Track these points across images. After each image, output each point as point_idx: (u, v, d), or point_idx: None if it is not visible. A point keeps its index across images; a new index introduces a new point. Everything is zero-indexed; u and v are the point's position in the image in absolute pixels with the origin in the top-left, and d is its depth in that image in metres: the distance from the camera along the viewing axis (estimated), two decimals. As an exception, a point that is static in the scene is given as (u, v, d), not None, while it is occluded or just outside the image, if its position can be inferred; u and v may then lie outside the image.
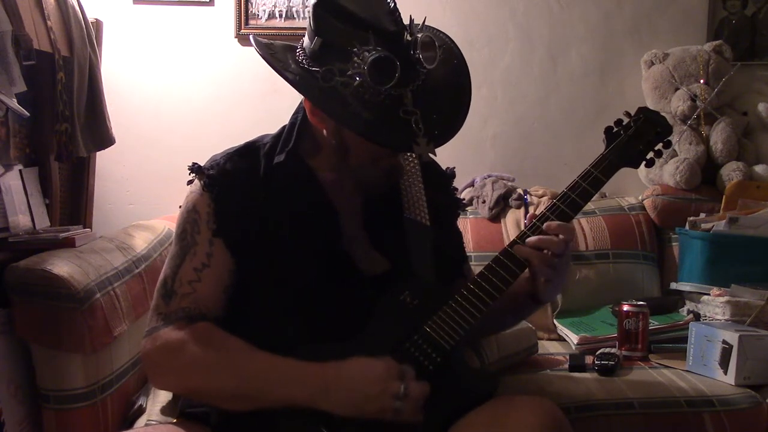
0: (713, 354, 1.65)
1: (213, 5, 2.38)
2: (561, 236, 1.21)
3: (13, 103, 1.56)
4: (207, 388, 1.17)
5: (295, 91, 1.24)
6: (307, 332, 1.20)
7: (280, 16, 2.39)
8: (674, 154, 2.33)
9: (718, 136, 2.32)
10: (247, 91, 2.39)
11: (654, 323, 1.88)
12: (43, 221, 1.78)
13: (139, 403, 1.52)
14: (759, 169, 2.31)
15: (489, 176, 2.35)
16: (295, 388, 1.12)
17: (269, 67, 1.22)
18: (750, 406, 1.57)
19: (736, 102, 2.45)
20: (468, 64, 1.24)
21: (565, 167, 2.42)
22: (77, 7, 1.94)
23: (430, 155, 1.12)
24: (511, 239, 1.26)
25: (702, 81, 2.34)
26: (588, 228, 2.20)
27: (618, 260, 2.17)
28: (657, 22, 2.49)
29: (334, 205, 1.28)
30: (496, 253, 1.25)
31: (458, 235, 1.50)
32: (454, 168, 1.48)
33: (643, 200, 2.32)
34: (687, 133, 2.33)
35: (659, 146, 1.30)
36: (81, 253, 1.52)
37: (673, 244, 2.24)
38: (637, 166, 1.30)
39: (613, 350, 1.78)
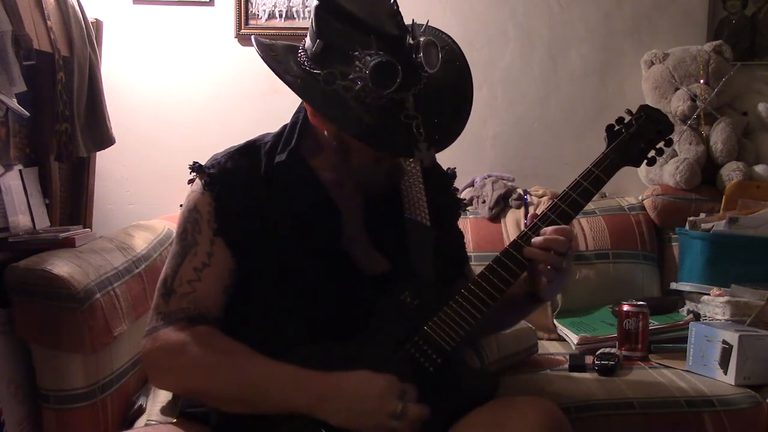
0: (713, 354, 1.65)
1: (213, 5, 2.38)
2: (561, 237, 1.21)
3: (13, 103, 1.56)
4: (206, 390, 1.17)
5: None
6: (307, 332, 1.20)
7: (280, 16, 2.39)
8: (674, 154, 2.33)
9: (718, 136, 2.32)
10: (247, 91, 2.39)
11: (654, 323, 1.88)
12: (43, 221, 1.77)
13: (139, 403, 1.52)
14: (759, 169, 2.31)
15: (489, 176, 2.35)
16: (294, 395, 1.12)
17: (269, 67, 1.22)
18: (750, 406, 1.57)
19: (736, 102, 2.45)
20: (471, 74, 1.23)
21: (565, 167, 2.42)
22: (77, 7, 1.94)
23: (429, 160, 1.12)
24: (511, 239, 1.25)
25: (702, 81, 2.34)
26: (588, 228, 2.20)
27: (618, 260, 2.17)
28: (657, 22, 2.49)
29: (334, 204, 1.28)
30: (496, 254, 1.24)
31: (459, 236, 1.50)
32: (454, 168, 1.48)
33: (643, 200, 2.32)
34: (687, 133, 2.33)
35: (661, 144, 1.29)
36: (81, 253, 1.52)
37: (673, 244, 2.24)
38: (638, 165, 1.30)
39: (613, 350, 1.78)
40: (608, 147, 1.28)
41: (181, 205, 1.29)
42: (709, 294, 1.94)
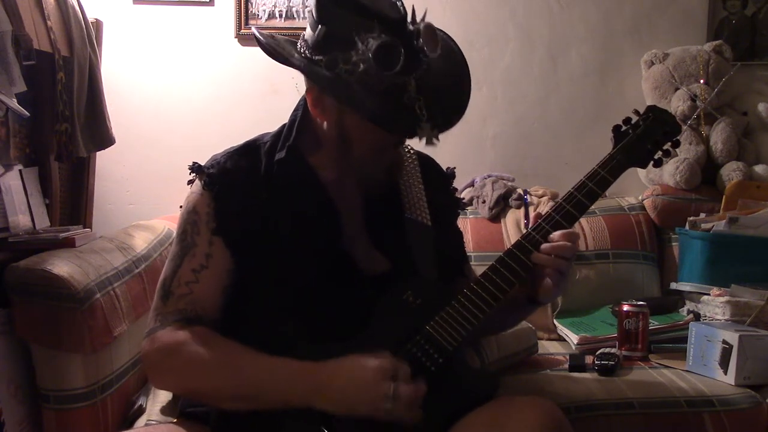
0: (713, 354, 1.65)
1: (213, 5, 2.38)
2: (569, 243, 1.21)
3: (13, 103, 1.56)
4: (204, 389, 1.18)
5: (295, 90, 1.24)
6: (307, 332, 1.20)
7: (280, 16, 2.39)
8: (674, 154, 2.33)
9: (718, 136, 2.32)
10: (247, 91, 2.39)
11: (654, 323, 1.88)
12: (43, 221, 1.77)
13: (139, 403, 1.52)
14: (759, 169, 2.31)
15: (489, 176, 2.35)
16: (289, 388, 1.13)
17: (269, 64, 1.23)
18: (750, 406, 1.57)
19: (736, 102, 2.45)
20: (468, 64, 1.24)
21: (565, 167, 2.42)
22: (77, 7, 1.94)
23: (433, 141, 1.12)
24: (512, 239, 1.25)
25: (702, 81, 2.34)
26: (588, 228, 2.20)
27: (618, 260, 2.17)
28: (657, 22, 2.49)
29: (334, 204, 1.28)
30: (497, 254, 1.24)
31: (458, 235, 1.50)
32: (454, 168, 1.48)
33: (643, 200, 2.32)
34: (687, 133, 2.33)
35: (668, 145, 1.28)
36: (81, 253, 1.52)
37: (673, 244, 2.24)
38: (645, 166, 1.28)
39: (613, 350, 1.78)
40: (615, 147, 1.27)
41: (181, 206, 1.29)
42: (709, 294, 1.94)
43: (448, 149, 2.42)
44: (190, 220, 1.24)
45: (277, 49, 1.20)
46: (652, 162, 1.28)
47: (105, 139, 2.02)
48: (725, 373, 1.63)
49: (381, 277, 1.27)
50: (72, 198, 2.06)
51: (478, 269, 1.26)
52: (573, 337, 1.92)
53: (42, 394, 1.42)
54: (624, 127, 1.28)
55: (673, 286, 2.13)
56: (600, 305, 2.09)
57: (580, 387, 1.61)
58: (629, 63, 2.49)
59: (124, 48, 2.34)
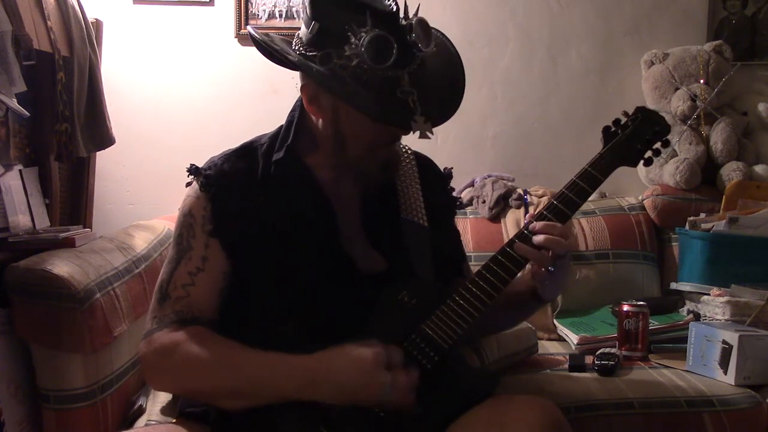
0: (713, 354, 1.65)
1: (213, 5, 2.38)
2: (556, 236, 1.21)
3: (13, 103, 1.56)
4: (202, 387, 1.18)
5: (295, 90, 1.25)
6: (305, 332, 1.20)
7: (280, 16, 2.39)
8: (674, 154, 2.33)
9: (718, 136, 2.32)
10: (247, 91, 2.39)
11: (654, 323, 1.88)
12: (43, 221, 1.78)
13: (139, 403, 1.52)
14: (759, 169, 2.31)
15: (489, 176, 2.35)
16: (286, 381, 1.13)
17: (269, 64, 1.24)
18: (750, 406, 1.57)
19: (736, 102, 2.45)
20: (468, 64, 1.25)
21: (565, 167, 2.40)
22: (77, 7, 1.94)
23: (428, 134, 1.12)
24: (511, 239, 1.26)
25: (702, 81, 2.34)
26: (588, 228, 2.20)
27: (618, 260, 2.17)
28: (657, 22, 2.49)
29: (331, 204, 1.28)
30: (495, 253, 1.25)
31: (456, 234, 1.50)
32: (451, 168, 1.49)
33: (643, 200, 2.32)
34: (687, 133, 2.33)
35: (657, 145, 1.29)
36: (81, 253, 1.52)
37: (673, 244, 2.24)
38: (635, 165, 1.30)
39: (613, 350, 1.78)
40: (604, 147, 1.29)
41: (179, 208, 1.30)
42: (709, 294, 1.94)
43: (448, 149, 2.45)
44: (186, 223, 1.25)
45: (273, 47, 1.20)
46: (642, 161, 1.30)
47: (105, 139, 2.02)
48: (725, 373, 1.63)
49: (378, 276, 1.27)
50: (72, 198, 2.06)
51: (478, 269, 1.26)
52: (573, 337, 1.92)
53: (42, 394, 1.42)
54: (613, 128, 1.30)
55: (673, 286, 2.13)
56: (600, 305, 2.09)
57: (580, 387, 1.61)
58: (629, 63, 2.49)
59: (124, 48, 2.34)
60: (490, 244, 2.13)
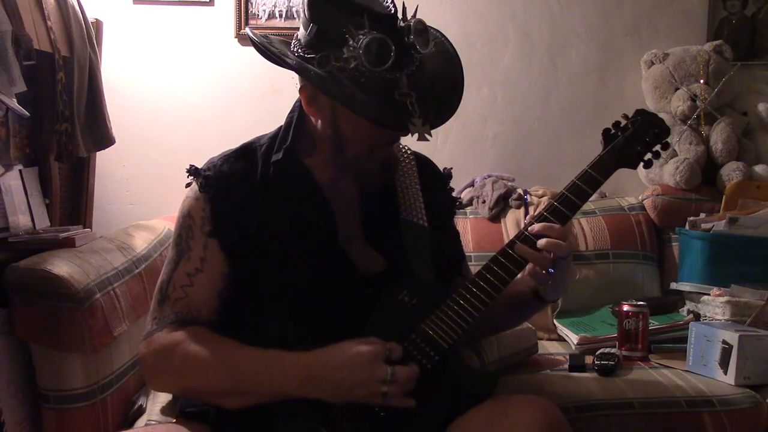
0: (713, 354, 1.65)
1: (213, 5, 2.38)
2: (556, 238, 1.21)
3: (13, 103, 1.56)
4: (201, 387, 1.18)
5: (295, 90, 1.25)
6: (304, 332, 1.20)
7: (280, 16, 2.39)
8: (674, 154, 2.33)
9: (718, 136, 2.32)
10: (247, 91, 2.40)
11: (654, 323, 1.88)
12: (43, 221, 1.78)
13: (139, 403, 1.52)
14: (759, 169, 2.31)
15: (489, 176, 2.35)
16: (284, 378, 1.13)
17: (269, 64, 1.24)
18: (750, 406, 1.57)
19: (736, 102, 2.45)
20: (468, 64, 1.26)
21: (565, 167, 2.41)
22: (77, 7, 1.94)
23: (426, 136, 1.12)
24: (511, 239, 1.26)
25: (702, 81, 2.34)
26: (588, 228, 2.20)
27: (618, 260, 2.17)
28: (657, 22, 2.49)
29: (330, 205, 1.28)
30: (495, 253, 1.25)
31: (455, 234, 1.50)
32: (450, 168, 1.49)
33: (643, 200, 2.32)
34: (687, 133, 2.33)
35: (657, 147, 1.29)
36: (81, 253, 1.52)
37: (673, 244, 2.24)
38: (634, 167, 1.30)
39: (613, 350, 1.78)
40: (604, 149, 1.29)
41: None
42: (709, 294, 1.94)
43: (448, 149, 2.45)
44: (185, 224, 1.25)
45: (271, 48, 1.20)
46: (642, 163, 1.30)
47: (105, 139, 2.02)
48: (725, 373, 1.63)
49: (377, 277, 1.27)
50: (72, 198, 2.06)
51: (478, 269, 1.26)
52: (573, 337, 1.92)
53: (42, 394, 1.42)
54: (613, 131, 1.30)
55: (673, 286, 2.13)
56: (600, 305, 2.09)
57: (580, 387, 1.61)
58: (629, 63, 2.49)
59: (124, 48, 2.34)
60: (490, 244, 2.13)
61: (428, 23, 1.20)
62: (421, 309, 1.21)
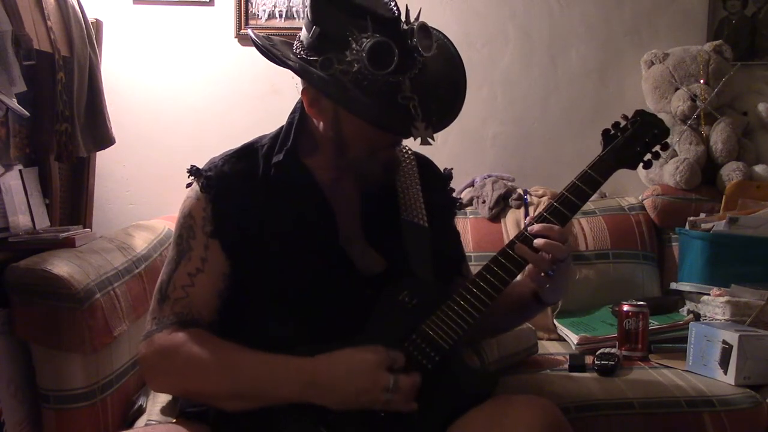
0: (713, 354, 1.65)
1: (213, 5, 2.38)
2: (555, 239, 1.21)
3: (13, 103, 1.56)
4: (202, 389, 1.18)
5: (295, 90, 1.25)
6: (305, 333, 1.20)
7: (280, 16, 2.39)
8: (674, 154, 2.33)
9: (718, 136, 2.32)
10: (247, 91, 2.39)
11: (654, 323, 1.88)
12: (43, 221, 1.78)
13: (139, 403, 1.52)
14: (759, 169, 2.31)
15: (489, 176, 2.35)
16: (286, 384, 1.13)
17: (269, 64, 1.24)
18: (750, 406, 1.57)
19: (736, 102, 2.45)
20: (468, 64, 1.25)
21: (565, 167, 2.38)
22: (77, 7, 1.94)
23: (429, 140, 1.12)
24: (511, 240, 1.26)
25: (702, 81, 2.34)
26: (588, 228, 2.20)
27: (618, 260, 2.17)
28: (657, 22, 2.49)
29: (331, 205, 1.28)
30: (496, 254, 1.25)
31: (456, 234, 1.50)
32: (451, 169, 1.49)
33: (643, 200, 2.32)
34: (687, 133, 2.33)
35: (657, 148, 1.29)
36: (81, 253, 1.52)
37: (673, 244, 2.24)
38: (634, 168, 1.30)
39: (613, 350, 1.78)
40: (603, 150, 1.29)
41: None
42: (709, 294, 1.94)
43: (448, 149, 2.45)
44: (186, 224, 1.25)
45: (273, 50, 1.20)
46: (641, 164, 1.30)
47: (105, 139, 2.02)
48: (725, 373, 1.63)
49: (378, 277, 1.27)
50: (72, 198, 2.06)
51: (478, 269, 1.26)
52: (573, 337, 1.92)
53: (42, 394, 1.42)
54: (612, 131, 1.30)
55: (673, 286, 2.13)
56: (600, 305, 2.09)
57: (580, 387, 1.61)
58: (629, 63, 2.49)
59: (124, 48, 2.34)
60: (490, 244, 2.13)
61: (428, 23, 1.20)
62: (422, 309, 1.21)
